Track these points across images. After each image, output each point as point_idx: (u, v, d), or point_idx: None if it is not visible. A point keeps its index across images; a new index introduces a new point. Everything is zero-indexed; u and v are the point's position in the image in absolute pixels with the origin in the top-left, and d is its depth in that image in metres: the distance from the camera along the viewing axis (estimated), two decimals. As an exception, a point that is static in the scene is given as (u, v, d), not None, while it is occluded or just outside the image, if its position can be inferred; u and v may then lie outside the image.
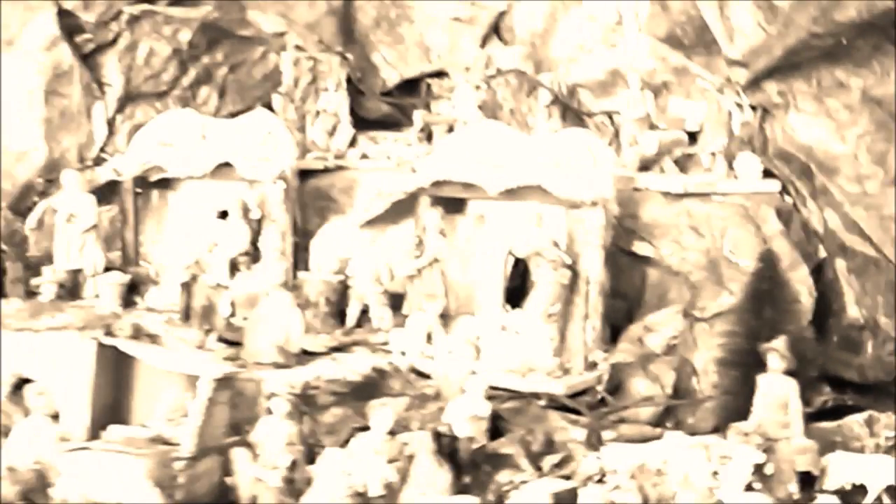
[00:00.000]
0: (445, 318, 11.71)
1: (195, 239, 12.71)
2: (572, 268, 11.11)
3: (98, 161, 14.19)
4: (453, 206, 12.11)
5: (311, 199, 13.59)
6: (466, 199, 12.07)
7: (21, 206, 13.85)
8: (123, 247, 13.39)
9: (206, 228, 12.75)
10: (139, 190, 13.40)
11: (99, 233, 13.03)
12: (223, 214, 12.75)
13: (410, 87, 15.69)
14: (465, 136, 12.34)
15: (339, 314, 12.22)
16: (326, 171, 14.02)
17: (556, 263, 11.04)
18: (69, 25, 14.18)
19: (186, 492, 9.25)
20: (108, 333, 10.52)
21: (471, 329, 11.50)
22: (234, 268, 11.99)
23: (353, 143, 14.61)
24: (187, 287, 11.88)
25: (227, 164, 12.80)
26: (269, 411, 9.77)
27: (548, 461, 10.23)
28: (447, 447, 9.49)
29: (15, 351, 10.39)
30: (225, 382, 9.93)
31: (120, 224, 13.45)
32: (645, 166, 12.81)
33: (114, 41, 14.39)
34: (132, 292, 12.86)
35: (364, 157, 14.42)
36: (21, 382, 10.21)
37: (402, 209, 12.26)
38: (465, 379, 10.32)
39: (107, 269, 12.91)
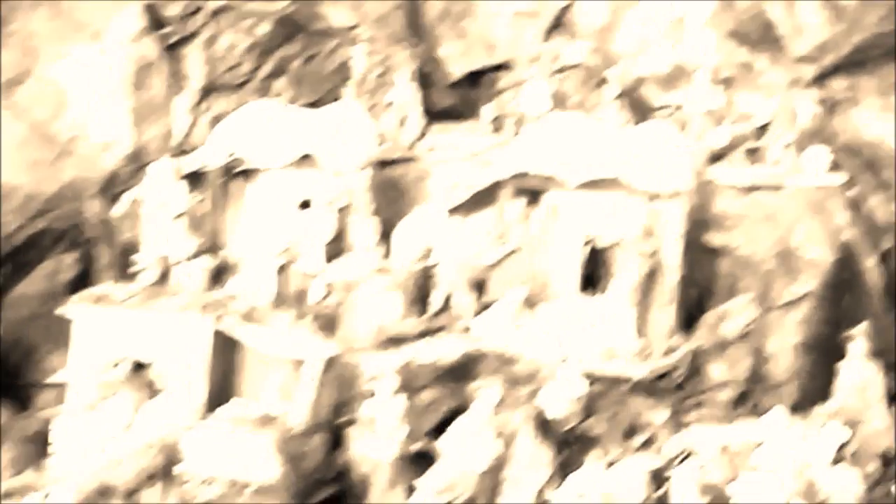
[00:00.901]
0: (526, 304, 12.20)
1: (278, 228, 13.17)
2: (653, 257, 11.62)
3: (179, 151, 14.64)
4: (529, 195, 12.60)
5: (382, 189, 14.04)
6: (542, 189, 12.55)
7: (107, 195, 14.36)
8: (207, 235, 13.84)
9: (288, 217, 13.20)
10: (222, 179, 13.84)
11: (188, 220, 13.49)
12: (304, 204, 13.20)
13: (475, 79, 16.14)
14: (546, 127, 12.79)
15: (421, 301, 12.70)
16: (396, 162, 14.47)
17: (640, 253, 11.55)
18: (153, 19, 14.65)
19: (302, 467, 9.79)
20: (219, 317, 10.97)
21: (552, 315, 12.01)
22: (325, 255, 12.44)
23: (421, 135, 15.06)
24: (279, 274, 12.37)
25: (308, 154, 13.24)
26: (371, 392, 10.29)
27: (633, 442, 10.76)
28: (545, 427, 10.02)
29: (130, 334, 10.86)
30: (329, 364, 10.47)
31: (203, 213, 13.90)
32: (714, 159, 13.27)
33: (195, 34, 14.85)
34: (214, 280, 13.35)
35: (432, 149, 14.84)
36: (138, 365, 10.69)
37: (483, 199, 12.74)
38: (556, 362, 10.84)
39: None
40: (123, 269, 13.32)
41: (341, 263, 12.30)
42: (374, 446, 9.80)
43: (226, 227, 13.69)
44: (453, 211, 12.81)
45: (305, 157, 13.20)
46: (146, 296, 11.46)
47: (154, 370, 10.58)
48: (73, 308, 11.20)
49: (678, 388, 11.48)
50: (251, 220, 13.60)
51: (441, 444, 9.74)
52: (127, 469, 9.43)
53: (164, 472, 9.55)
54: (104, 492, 9.17)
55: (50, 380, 11.90)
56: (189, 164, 14.19)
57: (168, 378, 10.53)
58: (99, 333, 10.93)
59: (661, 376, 11.55)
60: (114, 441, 10.12)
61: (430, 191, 13.84)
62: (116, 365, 10.70)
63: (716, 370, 11.58)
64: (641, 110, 14.77)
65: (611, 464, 10.27)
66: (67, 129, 14.43)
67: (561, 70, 15.06)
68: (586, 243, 12.23)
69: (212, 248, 13.69)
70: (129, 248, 13.63)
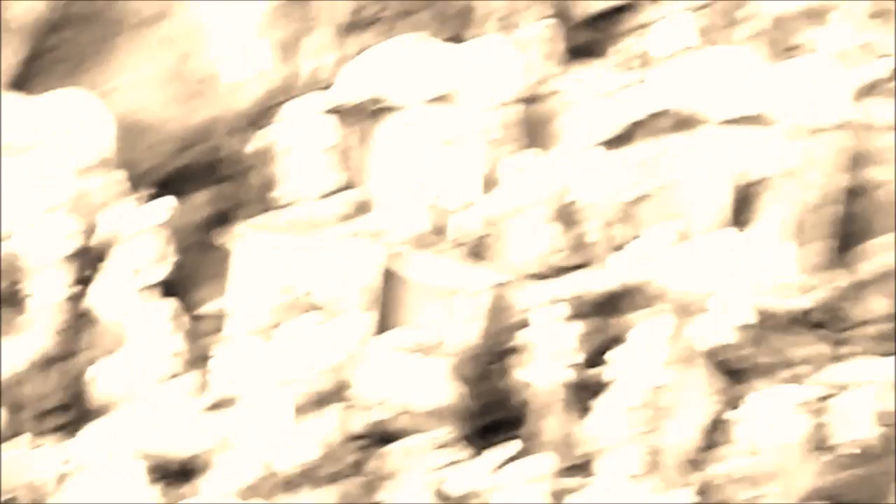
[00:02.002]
0: (673, 239, 12.17)
1: (420, 164, 13.23)
2: (806, 192, 11.52)
3: (315, 89, 14.74)
4: (672, 131, 12.52)
5: (521, 126, 13.99)
6: (687, 125, 12.46)
7: (245, 132, 14.53)
8: (347, 171, 13.95)
9: (430, 153, 13.25)
10: (362, 115, 13.93)
11: (328, 156, 13.62)
12: (446, 140, 13.24)
13: (606, 18, 15.97)
14: (686, 63, 12.69)
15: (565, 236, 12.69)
16: (531, 99, 14.40)
17: (792, 188, 11.45)
18: (287, -41, 14.72)
19: (471, 392, 9.92)
20: (383, 246, 11.09)
21: (700, 250, 11.97)
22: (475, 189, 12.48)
23: (555, 73, 14.97)
24: (427, 208, 12.46)
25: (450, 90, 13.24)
26: (531, 321, 10.37)
27: (791, 373, 10.73)
28: (710, 358, 10.03)
29: (292, 262, 11.02)
30: (492, 293, 10.57)
31: (343, 149, 14.01)
32: (865, 93, 13.03)
33: (328, -27, 14.89)
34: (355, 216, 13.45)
35: (566, 87, 14.76)
36: (301, 293, 10.86)
37: (626, 134, 12.69)
38: (713, 294, 10.82)
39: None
40: (264, 204, 13.54)
41: (491, 197, 12.32)
42: (543, 373, 9.87)
43: (365, 164, 13.86)
44: (597, 146, 12.78)
45: (447, 93, 13.24)
46: (306, 225, 11.60)
47: (317, 298, 10.71)
48: (235, 237, 11.37)
49: (834, 321, 11.40)
50: (391, 157, 13.74)
51: (607, 373, 9.79)
52: (297, 392, 9.60)
53: (336, 397, 9.71)
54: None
55: (202, 310, 12.13)
56: (329, 100, 14.37)
57: (332, 306, 10.67)
58: (261, 262, 11.10)
59: (816, 310, 11.48)
60: (277, 367, 10.29)
61: (566, 128, 13.81)
62: (280, 291, 10.88)
63: (872, 304, 11.47)
64: (779, 48, 14.54)
65: (770, 395, 10.27)
66: (205, 67, 14.59)
67: (694, 9, 14.83)
68: (733, 179, 12.13)
69: (351, 184, 13.87)
70: (269, 184, 13.90)
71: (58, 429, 9.72)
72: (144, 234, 11.58)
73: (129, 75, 14.38)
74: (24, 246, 12.16)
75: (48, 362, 10.21)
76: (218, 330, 11.45)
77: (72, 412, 10.12)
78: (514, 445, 9.18)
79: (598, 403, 9.64)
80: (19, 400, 9.98)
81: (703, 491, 8.86)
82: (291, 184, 13.52)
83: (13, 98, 12.82)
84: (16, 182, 12.57)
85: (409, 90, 13.39)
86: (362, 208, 13.41)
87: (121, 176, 12.66)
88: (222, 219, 13.83)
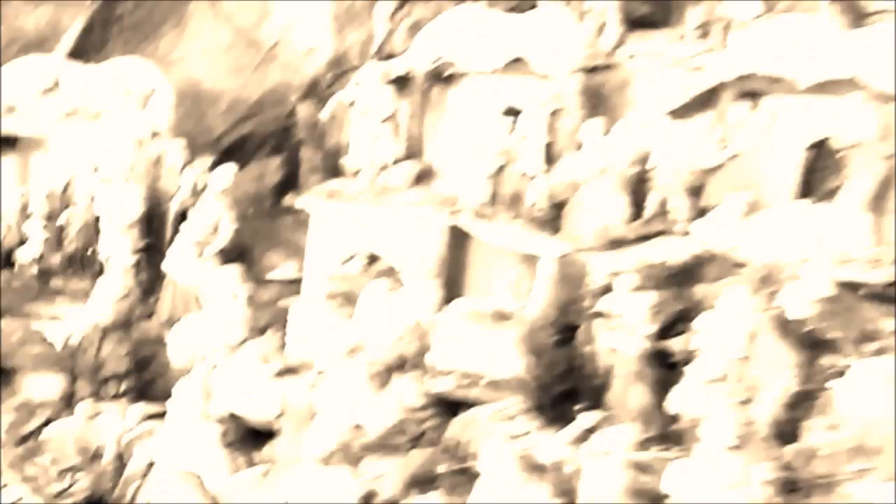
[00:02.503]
0: (748, 209, 11.90)
1: (485, 132, 13.07)
2: (889, 161, 11.18)
3: (380, 56, 14.64)
4: (752, 98, 12.21)
5: (586, 95, 13.76)
6: (766, 92, 12.15)
7: (311, 99, 14.48)
8: (412, 139, 13.85)
9: (494, 122, 13.08)
10: (427, 84, 13.79)
11: (393, 124, 13.51)
12: (510, 109, 13.06)
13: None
14: (767, 29, 12.34)
15: (637, 205, 12.47)
16: (597, 69, 14.16)
17: (875, 157, 11.11)
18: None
19: (541, 361, 9.78)
20: (453, 213, 10.98)
21: (776, 220, 11.68)
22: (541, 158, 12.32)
23: (620, 42, 14.70)
24: (493, 177, 12.31)
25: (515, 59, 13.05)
26: (603, 290, 10.20)
27: (866, 348, 10.43)
28: (787, 329, 9.79)
29: (364, 228, 10.96)
30: (561, 261, 10.41)
31: (408, 117, 13.89)
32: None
33: (392, -60, 14.74)
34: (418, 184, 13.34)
35: (633, 56, 14.49)
36: (372, 258, 10.80)
37: (702, 102, 12.41)
38: (790, 265, 10.55)
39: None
40: (330, 172, 13.49)
41: (562, 165, 12.15)
42: (617, 343, 9.71)
43: (430, 132, 13.73)
44: (671, 115, 12.52)
45: (512, 62, 13.06)
46: (377, 192, 11.53)
47: (388, 264, 10.63)
48: (310, 202, 11.34)
49: (912, 295, 11.07)
50: (455, 125, 13.60)
51: (688, 343, 9.59)
52: (371, 359, 9.52)
53: (409, 364, 9.63)
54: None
55: (271, 276, 12.13)
56: (395, 68, 14.25)
57: (402, 272, 10.59)
58: (334, 227, 11.05)
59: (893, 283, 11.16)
60: (349, 334, 10.22)
61: (635, 97, 13.57)
62: (351, 258, 10.83)
63: (951, 277, 11.12)
64: (857, 14, 14.14)
65: (847, 367, 10.01)
66: (271, 35, 14.57)
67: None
68: (810, 147, 11.82)
69: (416, 152, 13.76)
70: (337, 152, 13.84)
71: (124, 394, 9.73)
72: (209, 198, 11.56)
73: (196, 45, 14.40)
74: (93, 213, 12.26)
75: (115, 328, 10.22)
76: (288, 296, 11.43)
77: (138, 377, 10.13)
78: (594, 415, 9.02)
79: (682, 374, 9.43)
80: (85, 365, 10.01)
81: (797, 464, 8.64)
82: (358, 151, 13.45)
83: (75, 66, 12.88)
84: (82, 149, 12.67)
85: (475, 58, 13.22)
86: (427, 176, 13.33)
87: (183, 143, 12.67)
88: (291, 186, 13.86)
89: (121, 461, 8.16)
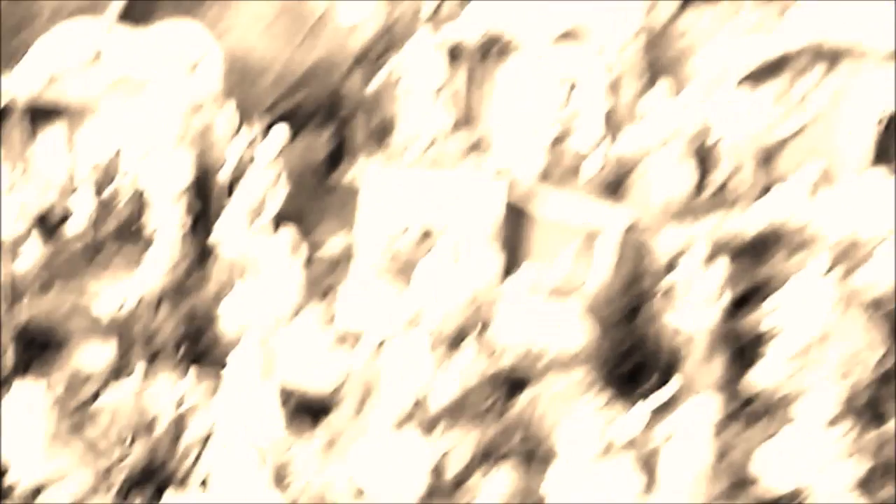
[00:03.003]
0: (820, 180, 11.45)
1: (540, 102, 12.67)
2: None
3: (431, 26, 14.24)
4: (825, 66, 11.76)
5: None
6: (838, 59, 11.68)
7: (360, 71, 14.11)
8: (462, 110, 13.46)
9: (550, 91, 12.67)
10: (480, 54, 13.41)
11: (446, 95, 13.13)
12: (564, 81, 12.64)
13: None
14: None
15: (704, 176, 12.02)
16: (652, 41, 13.71)
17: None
18: None
19: (606, 336, 9.36)
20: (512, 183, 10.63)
21: (849, 191, 11.22)
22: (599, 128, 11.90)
23: (678, 12, 14.26)
24: (551, 147, 11.92)
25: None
26: (671, 264, 9.77)
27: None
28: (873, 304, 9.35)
29: (419, 200, 10.60)
30: (625, 233, 9.98)
31: (461, 88, 13.50)
32: None
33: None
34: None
35: (690, 27, 14.04)
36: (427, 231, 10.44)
37: (771, 70, 11.96)
38: (867, 238, 10.09)
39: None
40: (380, 144, 13.13)
41: (622, 136, 11.72)
42: (687, 317, 9.27)
43: (483, 103, 13.34)
44: (738, 84, 12.07)
45: (571, 31, 12.65)
46: (431, 162, 11.17)
47: (445, 236, 10.26)
48: (362, 173, 11.01)
49: None
50: (507, 96, 13.21)
51: (765, 317, 9.15)
52: (431, 330, 9.15)
53: (470, 336, 9.26)
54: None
55: (324, 247, 11.78)
56: (448, 37, 13.85)
57: (459, 243, 10.20)
58: (387, 199, 10.71)
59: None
60: (406, 304, 9.84)
61: (695, 68, 13.13)
62: (405, 230, 10.47)
63: None
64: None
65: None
66: (318, 6, 14.20)
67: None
68: (884, 116, 11.35)
69: (468, 122, 13.37)
70: (386, 124, 13.50)
71: (177, 364, 9.41)
72: (259, 166, 11.22)
73: (243, 15, 14.06)
74: (141, 183, 11.96)
75: (167, 297, 9.90)
76: (340, 265, 11.07)
77: (190, 347, 9.81)
78: (668, 390, 8.59)
79: (757, 351, 8.99)
80: (137, 335, 9.70)
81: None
82: (410, 123, 13.10)
83: (123, 31, 12.57)
84: (130, 118, 12.36)
85: (530, 28, 12.82)
86: (480, 147, 12.95)
87: (233, 109, 12.34)
88: (340, 159, 13.53)
89: (177, 430, 7.81)
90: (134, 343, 9.73)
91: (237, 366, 7.88)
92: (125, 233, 11.90)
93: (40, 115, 12.39)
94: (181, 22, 12.91)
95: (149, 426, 7.80)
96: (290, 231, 9.96)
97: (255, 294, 9.53)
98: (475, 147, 12.96)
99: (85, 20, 12.62)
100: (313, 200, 12.51)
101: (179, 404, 7.96)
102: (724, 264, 9.42)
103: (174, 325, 9.84)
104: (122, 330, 9.85)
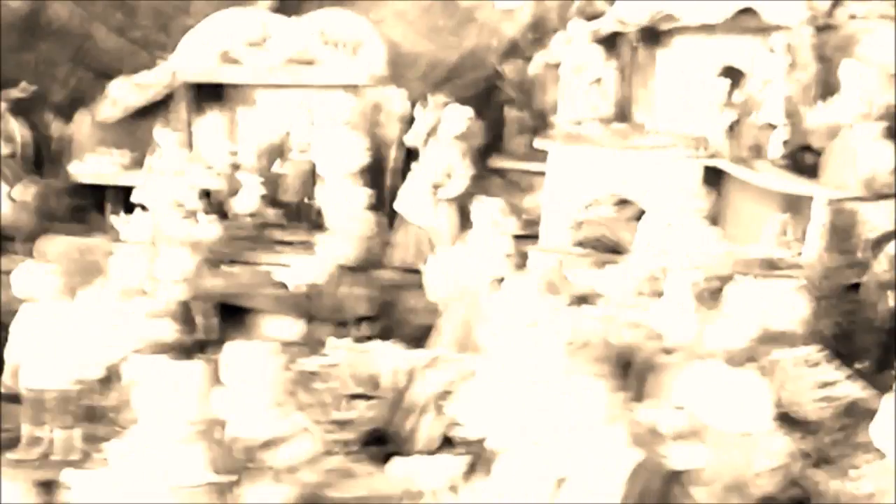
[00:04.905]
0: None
1: (698, 94, 12.27)
2: None
3: (584, 17, 13.97)
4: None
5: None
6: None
7: (512, 61, 13.89)
8: (619, 100, 13.14)
9: (709, 83, 12.26)
10: (636, 43, 13.10)
11: (602, 85, 12.82)
12: (727, 72, 12.24)
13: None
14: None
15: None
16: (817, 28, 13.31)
17: None
18: None
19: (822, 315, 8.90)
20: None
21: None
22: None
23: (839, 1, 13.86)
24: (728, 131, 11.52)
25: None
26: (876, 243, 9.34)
27: None
28: None
29: (609, 172, 10.29)
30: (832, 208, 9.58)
31: (616, 78, 13.20)
32: None
33: None
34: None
35: (853, 16, 13.62)
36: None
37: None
38: None
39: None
40: (537, 133, 12.86)
41: (812, 112, 11.31)
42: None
43: (637, 93, 13.01)
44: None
45: (741, 13, 12.27)
46: (620, 135, 10.86)
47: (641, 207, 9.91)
48: (549, 146, 10.75)
49: None
50: (665, 87, 12.87)
51: None
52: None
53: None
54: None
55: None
56: (606, 25, 13.56)
57: (654, 218, 9.83)
58: (575, 172, 10.41)
59: None
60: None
61: (863, 55, 12.69)
62: (594, 203, 10.17)
63: None
64: None
65: None
66: (468, -3, 14.03)
67: None
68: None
69: (623, 113, 13.04)
70: (542, 113, 13.24)
71: (368, 337, 9.12)
72: (442, 142, 10.99)
73: (391, 7, 13.93)
74: (310, 163, 11.79)
75: (353, 270, 9.64)
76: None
77: (378, 321, 9.53)
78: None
79: None
80: (324, 307, 9.44)
81: None
82: (566, 112, 12.79)
83: (280, 18, 12.51)
84: (295, 99, 12.24)
85: (698, 10, 12.46)
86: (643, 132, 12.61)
87: (401, 92, 12.16)
88: (494, 148, 13.31)
89: (399, 394, 7.50)
90: (320, 314, 9.48)
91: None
92: (293, 213, 11.72)
93: (207, 95, 12.32)
94: (338, 10, 12.81)
95: (374, 386, 7.48)
96: (497, 201, 9.65)
97: (461, 259, 9.21)
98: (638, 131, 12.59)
99: (241, 8, 12.59)
100: (470, 190, 12.23)
101: (400, 366, 7.64)
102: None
103: (360, 297, 9.57)
104: (308, 302, 9.60)
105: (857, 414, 7.63)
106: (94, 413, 7.41)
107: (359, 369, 7.69)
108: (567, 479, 5.73)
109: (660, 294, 8.29)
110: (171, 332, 8.01)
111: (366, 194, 10.53)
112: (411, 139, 11.28)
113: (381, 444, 7.48)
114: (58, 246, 10.39)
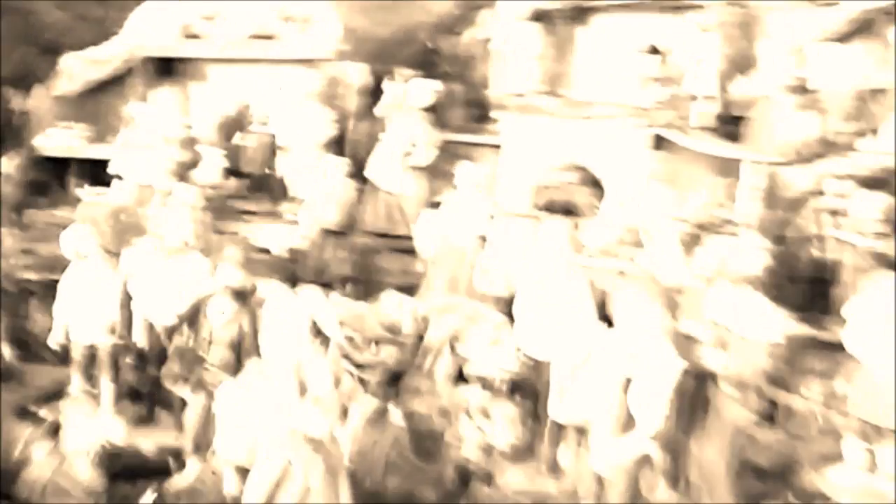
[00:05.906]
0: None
1: (630, 67, 13.09)
2: None
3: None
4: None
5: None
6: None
7: (442, 37, 14.49)
8: (549, 76, 13.89)
9: (632, 62, 13.10)
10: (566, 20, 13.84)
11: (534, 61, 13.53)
12: (653, 49, 13.12)
13: None
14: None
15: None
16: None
17: None
18: None
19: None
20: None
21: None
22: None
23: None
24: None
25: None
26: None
27: None
28: None
29: (565, 140, 11.06)
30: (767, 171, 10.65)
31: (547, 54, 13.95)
32: None
33: None
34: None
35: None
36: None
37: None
38: None
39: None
40: (473, 106, 13.52)
41: (739, 83, 12.26)
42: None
43: (569, 69, 13.78)
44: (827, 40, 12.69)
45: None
46: (572, 106, 11.61)
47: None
48: (503, 118, 11.40)
49: None
50: (588, 64, 13.64)
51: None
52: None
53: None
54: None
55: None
56: (539, 4, 14.27)
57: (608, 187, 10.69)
58: (529, 143, 11.14)
59: None
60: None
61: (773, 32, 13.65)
62: (553, 171, 10.92)
63: None
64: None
65: None
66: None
67: None
68: None
69: (552, 90, 13.81)
70: (477, 87, 13.88)
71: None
72: (408, 112, 11.58)
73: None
74: (270, 135, 12.19)
75: (335, 234, 10.21)
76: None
77: (359, 282, 10.13)
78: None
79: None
80: (308, 268, 10.00)
81: None
82: (500, 86, 13.47)
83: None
84: (253, 73, 12.58)
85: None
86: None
87: (363, 66, 12.64)
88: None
89: (418, 338, 8.19)
90: (305, 275, 9.99)
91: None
92: (255, 184, 12.13)
93: (158, 70, 12.55)
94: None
95: (395, 331, 8.13)
96: (481, 167, 10.35)
97: (443, 218, 9.91)
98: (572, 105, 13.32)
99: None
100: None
101: (417, 310, 8.34)
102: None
103: (343, 259, 10.13)
104: (291, 264, 10.11)
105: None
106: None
107: (381, 317, 8.30)
108: (632, 379, 7.12)
109: (637, 244, 9.20)
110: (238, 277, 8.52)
111: (345, 163, 11.03)
112: (379, 111, 11.85)
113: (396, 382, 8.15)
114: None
